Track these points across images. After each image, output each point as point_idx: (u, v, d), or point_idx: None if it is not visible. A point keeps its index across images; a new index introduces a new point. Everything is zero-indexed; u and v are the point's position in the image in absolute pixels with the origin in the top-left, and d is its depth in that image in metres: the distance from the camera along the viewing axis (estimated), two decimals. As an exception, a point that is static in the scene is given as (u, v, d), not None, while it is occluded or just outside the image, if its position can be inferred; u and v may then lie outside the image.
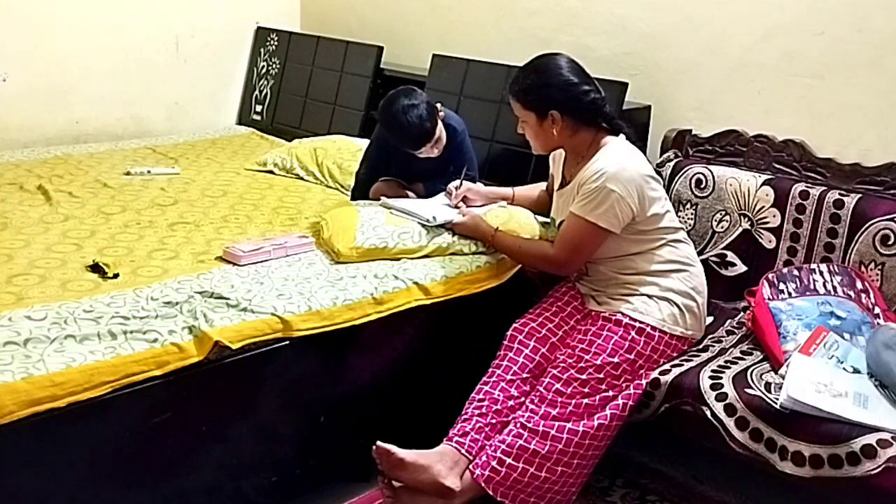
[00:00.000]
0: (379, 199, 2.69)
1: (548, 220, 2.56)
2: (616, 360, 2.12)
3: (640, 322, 2.18)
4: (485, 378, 2.22)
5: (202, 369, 1.94)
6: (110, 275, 2.17)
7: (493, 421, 2.14)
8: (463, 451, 2.09)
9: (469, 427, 2.13)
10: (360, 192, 2.83)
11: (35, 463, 1.75)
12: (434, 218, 2.47)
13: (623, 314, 2.20)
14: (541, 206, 2.64)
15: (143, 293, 2.06)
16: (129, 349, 1.85)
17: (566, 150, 2.35)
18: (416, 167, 2.78)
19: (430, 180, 2.80)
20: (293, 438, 2.22)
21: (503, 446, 2.07)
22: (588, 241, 2.23)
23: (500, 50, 3.31)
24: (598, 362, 2.12)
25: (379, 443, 2.05)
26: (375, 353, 2.33)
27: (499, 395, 2.16)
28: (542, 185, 2.68)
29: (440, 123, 2.64)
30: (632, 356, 2.14)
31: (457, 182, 2.61)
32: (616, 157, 2.21)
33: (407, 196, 2.73)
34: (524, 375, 2.19)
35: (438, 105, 2.65)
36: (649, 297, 2.22)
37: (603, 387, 2.11)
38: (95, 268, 2.21)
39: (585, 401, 2.10)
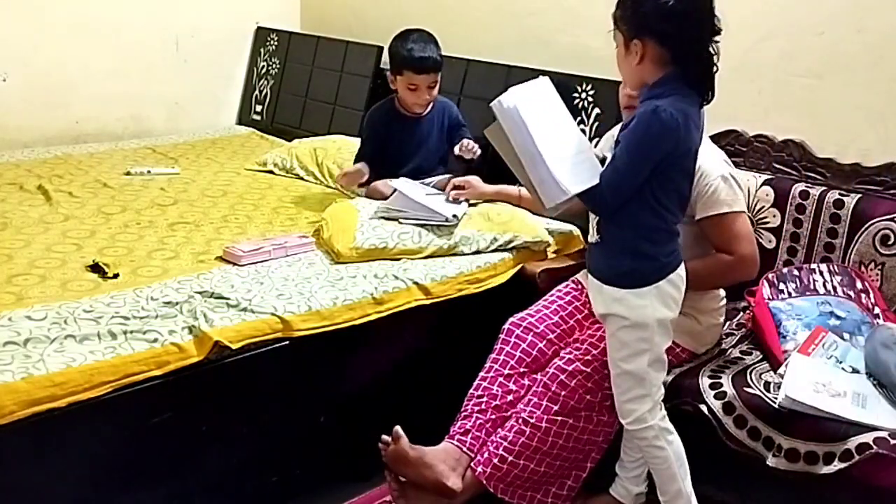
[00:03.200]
0: (376, 197, 2.69)
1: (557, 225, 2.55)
2: None
3: None
4: (482, 374, 2.21)
5: (202, 369, 1.95)
6: (110, 275, 2.18)
7: (494, 417, 2.14)
8: (465, 448, 2.09)
9: (470, 424, 2.13)
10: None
11: (35, 463, 1.75)
12: (455, 216, 2.46)
13: None
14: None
15: (143, 293, 2.06)
16: (129, 349, 1.86)
17: None
18: (415, 151, 2.78)
19: (432, 167, 2.81)
20: (293, 438, 2.22)
21: (505, 443, 2.07)
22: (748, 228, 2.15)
23: (500, 50, 3.30)
24: (605, 359, 2.11)
25: (396, 428, 2.04)
26: (375, 353, 2.33)
27: (497, 391, 2.16)
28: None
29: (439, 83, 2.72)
30: None
31: (474, 145, 2.63)
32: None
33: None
34: (521, 369, 2.19)
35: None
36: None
37: (606, 384, 2.11)
38: (95, 268, 2.21)
39: (588, 397, 2.09)
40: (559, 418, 2.07)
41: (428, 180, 2.73)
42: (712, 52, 1.77)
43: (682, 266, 1.89)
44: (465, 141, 2.70)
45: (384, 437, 2.07)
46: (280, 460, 2.20)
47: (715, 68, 1.78)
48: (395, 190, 2.60)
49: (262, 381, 2.10)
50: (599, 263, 1.90)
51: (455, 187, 2.64)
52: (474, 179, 2.67)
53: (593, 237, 1.90)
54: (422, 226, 2.49)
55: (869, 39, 2.45)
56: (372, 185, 2.83)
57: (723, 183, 2.11)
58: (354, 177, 2.77)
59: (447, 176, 2.66)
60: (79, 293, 2.06)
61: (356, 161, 2.86)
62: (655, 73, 1.77)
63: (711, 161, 2.15)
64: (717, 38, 1.77)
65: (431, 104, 2.79)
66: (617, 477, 2.18)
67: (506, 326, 2.27)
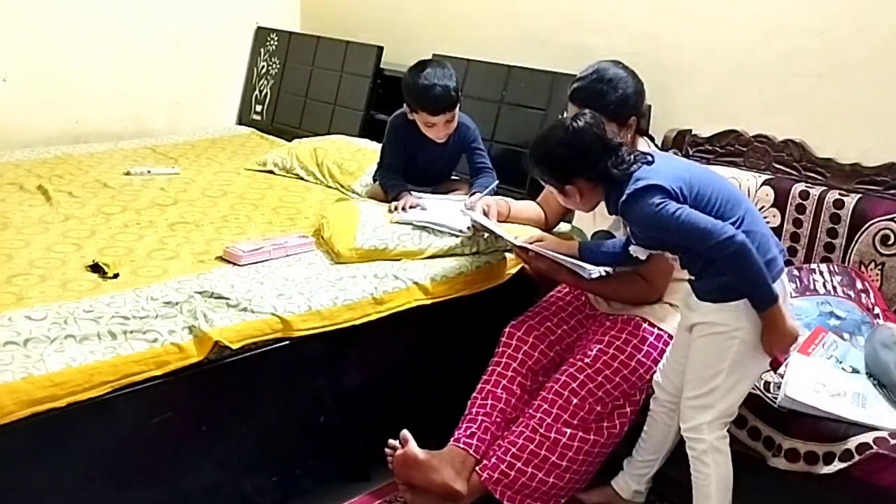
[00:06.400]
0: (378, 198, 2.70)
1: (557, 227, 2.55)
2: (632, 363, 2.11)
3: (659, 329, 2.16)
4: (485, 377, 2.21)
5: (202, 369, 1.95)
6: (110, 275, 2.17)
7: (499, 420, 2.14)
8: (471, 451, 2.09)
9: (475, 427, 2.13)
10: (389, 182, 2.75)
11: (35, 463, 1.75)
12: (469, 228, 2.46)
13: (642, 319, 2.18)
14: (538, 223, 2.57)
15: (143, 293, 2.06)
16: (129, 349, 1.86)
17: None
18: (428, 166, 2.77)
19: (445, 178, 2.81)
20: (293, 438, 2.22)
21: (514, 449, 2.07)
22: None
23: (500, 50, 3.31)
24: (616, 364, 2.10)
25: (404, 431, 2.06)
26: (375, 353, 2.33)
27: (502, 394, 2.16)
28: (534, 205, 2.61)
29: (458, 109, 2.64)
30: (648, 361, 2.12)
31: (476, 197, 2.56)
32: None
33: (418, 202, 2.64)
34: (524, 371, 2.19)
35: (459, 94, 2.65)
36: (671, 304, 2.20)
37: (616, 393, 2.11)
38: (95, 268, 2.21)
39: (598, 407, 2.09)
40: (569, 430, 2.07)
41: (438, 196, 2.72)
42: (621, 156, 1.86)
43: (782, 286, 1.85)
44: (469, 200, 2.57)
45: (391, 441, 2.07)
46: (280, 460, 2.20)
47: (626, 165, 1.85)
48: (415, 205, 2.58)
49: (262, 381, 2.10)
50: (694, 286, 1.90)
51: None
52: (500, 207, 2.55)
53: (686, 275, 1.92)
54: (436, 231, 2.48)
55: (869, 39, 2.46)
56: (373, 188, 2.83)
57: None
58: (411, 202, 2.64)
59: (475, 197, 2.61)
60: (79, 293, 2.06)
61: (382, 166, 2.79)
62: (598, 195, 1.91)
63: None
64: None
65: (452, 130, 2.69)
66: (622, 470, 2.18)
67: (506, 330, 2.27)
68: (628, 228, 1.93)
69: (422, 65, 2.62)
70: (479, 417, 2.14)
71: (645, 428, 2.13)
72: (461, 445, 2.10)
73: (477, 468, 2.08)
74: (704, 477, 1.91)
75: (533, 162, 1.96)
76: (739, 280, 1.77)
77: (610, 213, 1.94)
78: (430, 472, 2.04)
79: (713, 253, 1.75)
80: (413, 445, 2.06)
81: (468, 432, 2.12)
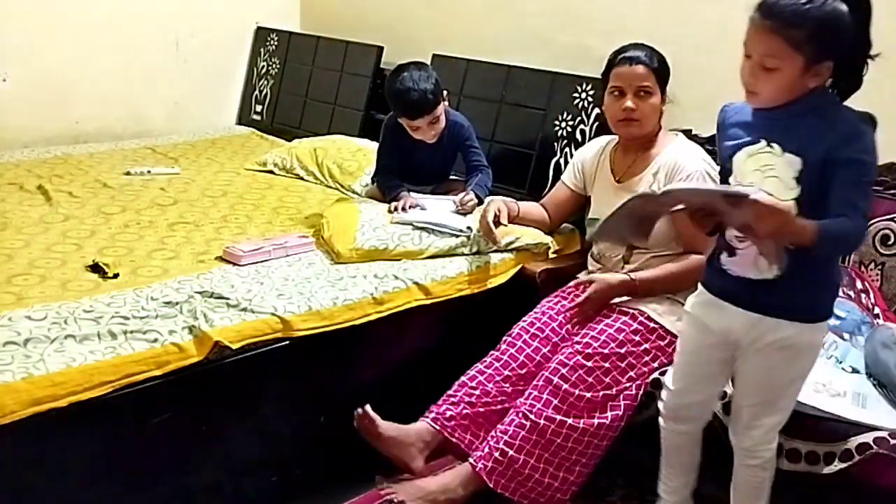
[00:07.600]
0: (377, 198, 2.70)
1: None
2: (623, 351, 2.11)
3: (655, 322, 2.17)
4: (481, 367, 2.21)
5: (202, 369, 1.95)
6: (110, 275, 2.18)
7: (482, 410, 2.14)
8: (447, 433, 2.12)
9: (455, 412, 2.14)
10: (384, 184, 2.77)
11: (35, 463, 1.75)
12: (469, 227, 2.46)
13: (640, 312, 2.18)
14: (542, 224, 2.59)
15: (143, 293, 2.06)
16: (129, 349, 1.86)
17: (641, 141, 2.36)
18: (424, 166, 2.77)
19: (442, 179, 2.81)
20: (293, 438, 2.22)
21: (505, 437, 2.07)
22: None
23: (500, 50, 3.30)
24: (606, 351, 2.11)
25: (367, 407, 2.08)
26: (375, 353, 2.33)
27: (492, 389, 2.16)
28: (538, 206, 2.62)
29: (444, 109, 2.64)
30: (638, 350, 2.13)
31: (472, 199, 2.57)
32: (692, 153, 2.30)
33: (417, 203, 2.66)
34: (521, 372, 2.19)
35: (446, 93, 2.64)
36: (674, 300, 2.20)
37: (607, 380, 2.10)
38: (95, 268, 2.21)
39: (588, 394, 2.08)
40: (559, 416, 2.07)
41: (437, 196, 2.73)
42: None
43: None
44: (459, 198, 2.61)
45: (359, 409, 2.09)
46: (280, 460, 2.20)
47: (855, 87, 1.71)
48: (414, 205, 2.59)
49: (262, 381, 2.10)
50: (776, 300, 1.68)
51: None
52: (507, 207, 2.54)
53: (769, 273, 1.66)
54: (436, 232, 2.48)
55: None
56: (373, 188, 2.83)
57: (701, 178, 2.19)
58: (410, 202, 2.64)
59: (473, 200, 2.62)
60: (79, 293, 2.06)
61: (378, 169, 2.80)
62: (811, 86, 1.70)
63: (691, 157, 2.27)
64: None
65: (442, 129, 2.68)
66: (661, 500, 2.04)
67: (515, 330, 2.26)
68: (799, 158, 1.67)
69: (399, 69, 2.62)
70: (462, 404, 2.15)
71: (670, 458, 1.99)
72: (434, 425, 2.12)
73: (471, 460, 2.08)
74: (762, 480, 1.84)
75: (809, 15, 1.63)
76: (832, 246, 1.61)
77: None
78: (392, 448, 2.09)
79: (855, 228, 1.61)
80: (378, 423, 2.08)
81: (446, 414, 2.13)
